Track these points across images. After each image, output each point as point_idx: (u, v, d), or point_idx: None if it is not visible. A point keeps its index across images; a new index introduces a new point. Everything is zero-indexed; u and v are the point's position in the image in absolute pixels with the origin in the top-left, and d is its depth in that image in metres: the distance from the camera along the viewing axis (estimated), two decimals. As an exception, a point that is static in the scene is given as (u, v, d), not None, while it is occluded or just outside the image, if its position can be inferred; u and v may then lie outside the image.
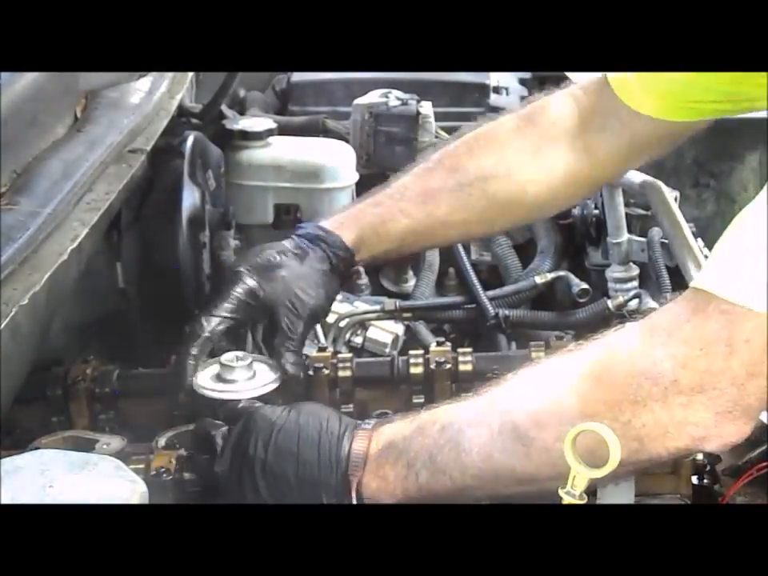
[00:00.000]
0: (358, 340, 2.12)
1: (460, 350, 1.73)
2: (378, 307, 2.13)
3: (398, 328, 2.15)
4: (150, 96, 1.92)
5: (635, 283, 2.19)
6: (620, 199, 2.17)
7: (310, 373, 1.70)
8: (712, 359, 1.12)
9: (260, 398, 1.52)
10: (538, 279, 2.19)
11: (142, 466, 1.42)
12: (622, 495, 1.30)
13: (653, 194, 2.09)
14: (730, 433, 1.16)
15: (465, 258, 2.26)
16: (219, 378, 1.51)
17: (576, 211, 2.31)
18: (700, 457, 1.48)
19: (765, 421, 1.50)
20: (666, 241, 2.05)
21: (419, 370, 1.71)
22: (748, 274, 1.11)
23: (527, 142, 1.68)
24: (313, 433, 1.31)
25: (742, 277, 1.11)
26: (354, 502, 1.27)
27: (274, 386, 1.52)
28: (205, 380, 1.52)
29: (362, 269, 2.28)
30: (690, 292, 1.17)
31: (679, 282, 1.93)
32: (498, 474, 1.24)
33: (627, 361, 1.17)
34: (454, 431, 1.26)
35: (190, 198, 2.04)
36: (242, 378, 1.50)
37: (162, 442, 1.58)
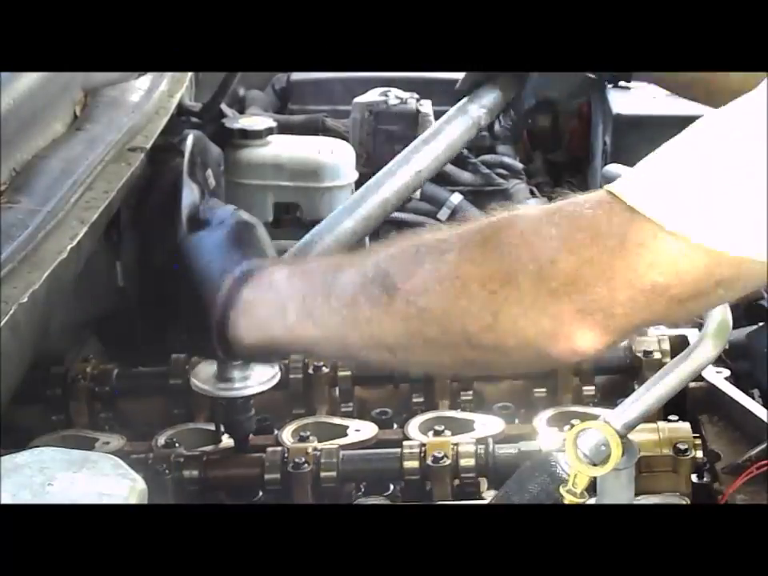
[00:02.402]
0: (358, 339, 2.12)
1: (460, 348, 1.72)
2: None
3: (398, 327, 2.15)
4: (150, 94, 1.92)
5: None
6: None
7: (310, 372, 1.70)
8: (599, 251, 1.05)
9: (258, 395, 1.52)
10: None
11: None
12: (622, 494, 1.30)
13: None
14: (582, 338, 1.08)
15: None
16: (217, 375, 1.51)
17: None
18: (700, 455, 1.49)
19: (765, 420, 1.51)
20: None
21: (419, 368, 1.71)
22: (656, 185, 1.06)
23: None
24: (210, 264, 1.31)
25: (652, 187, 1.06)
26: (226, 343, 1.26)
27: (273, 382, 1.52)
28: (203, 378, 1.52)
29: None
30: (601, 191, 1.09)
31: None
32: (356, 324, 1.17)
33: (517, 232, 1.10)
34: (331, 275, 1.20)
35: (190, 196, 2.04)
36: (240, 376, 1.50)
37: (161, 440, 1.58)
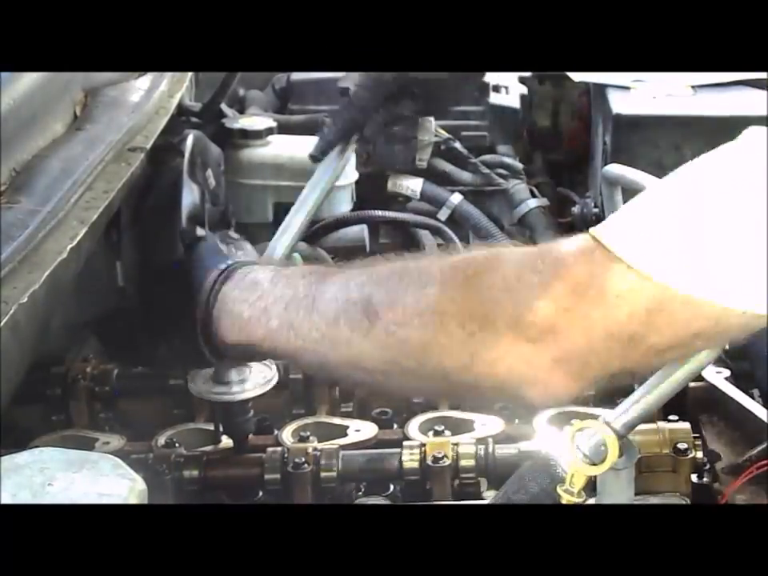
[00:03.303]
0: (358, 339, 2.12)
1: (459, 348, 1.72)
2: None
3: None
4: (150, 94, 1.92)
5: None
6: (619, 197, 2.17)
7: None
8: (578, 301, 1.06)
9: (256, 398, 1.52)
10: (538, 278, 2.19)
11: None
12: (622, 494, 1.30)
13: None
14: (558, 385, 1.10)
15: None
16: (214, 379, 1.51)
17: (576, 209, 2.31)
18: (700, 455, 1.49)
19: (765, 420, 1.51)
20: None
21: (419, 368, 1.70)
22: (640, 233, 1.05)
23: None
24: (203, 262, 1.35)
25: (635, 234, 1.05)
26: (210, 340, 1.28)
27: (270, 385, 1.52)
28: (200, 382, 1.52)
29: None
30: (585, 235, 1.10)
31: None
32: (335, 344, 1.18)
33: (499, 276, 1.11)
34: (314, 288, 1.21)
35: (190, 196, 2.04)
36: (236, 379, 1.50)
37: (161, 440, 1.58)
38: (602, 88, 2.27)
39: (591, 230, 1.09)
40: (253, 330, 1.25)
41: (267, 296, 1.24)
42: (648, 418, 1.35)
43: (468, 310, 1.10)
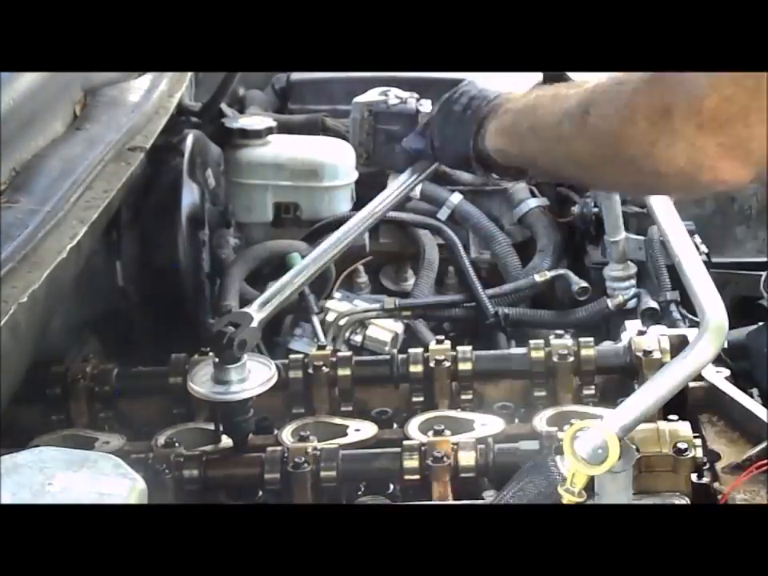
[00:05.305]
0: (358, 338, 2.12)
1: (459, 348, 1.73)
2: (377, 306, 2.13)
3: (398, 326, 2.15)
4: (150, 94, 1.92)
5: (633, 282, 2.19)
6: (617, 197, 2.18)
7: (310, 371, 1.70)
8: (737, 90, 1.16)
9: (256, 398, 1.52)
10: (538, 277, 2.19)
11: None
12: (620, 495, 1.30)
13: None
14: (724, 169, 1.20)
15: (464, 257, 2.26)
16: (213, 378, 1.50)
17: (576, 209, 2.31)
18: (700, 455, 1.48)
19: (765, 419, 1.51)
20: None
21: (419, 368, 1.71)
22: None
23: None
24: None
25: None
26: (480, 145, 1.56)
27: (269, 384, 1.52)
28: (200, 381, 1.51)
29: (361, 267, 2.28)
30: None
31: (679, 280, 1.94)
32: (559, 141, 1.38)
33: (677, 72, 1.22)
34: (549, 99, 1.43)
35: (190, 196, 2.04)
36: (236, 379, 1.50)
37: (161, 440, 1.58)
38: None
39: None
40: (508, 134, 1.52)
41: (521, 108, 1.51)
42: (648, 417, 1.35)
43: (650, 101, 1.23)
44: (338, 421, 1.64)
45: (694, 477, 1.47)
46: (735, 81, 1.16)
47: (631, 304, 2.11)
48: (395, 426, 1.68)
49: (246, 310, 1.54)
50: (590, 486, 1.26)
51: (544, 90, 1.50)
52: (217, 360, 1.49)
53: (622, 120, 1.27)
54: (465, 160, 1.62)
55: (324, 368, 1.70)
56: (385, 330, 2.14)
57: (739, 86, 1.16)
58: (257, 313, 1.52)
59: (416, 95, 2.39)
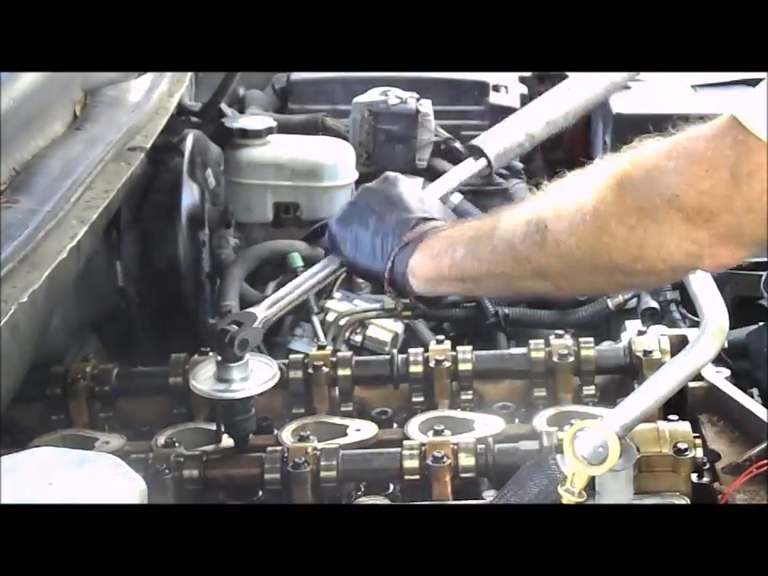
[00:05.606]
0: (358, 338, 2.12)
1: (459, 348, 1.73)
2: (377, 305, 2.13)
3: (398, 326, 2.15)
4: (150, 94, 1.92)
5: (633, 282, 2.19)
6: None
7: (310, 371, 1.70)
8: (714, 184, 1.14)
9: (257, 397, 1.52)
10: (538, 277, 2.19)
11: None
12: (621, 494, 1.30)
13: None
14: (723, 255, 1.20)
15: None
16: (216, 377, 1.51)
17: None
18: (700, 455, 1.48)
19: (765, 419, 1.51)
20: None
21: (419, 368, 1.71)
22: None
23: None
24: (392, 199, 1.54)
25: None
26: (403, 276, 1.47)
27: (271, 383, 1.52)
28: (201, 379, 1.52)
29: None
30: (722, 117, 1.17)
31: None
32: (517, 262, 1.34)
33: (643, 170, 1.21)
34: (491, 222, 1.40)
35: (190, 196, 2.04)
36: (238, 377, 1.50)
37: (161, 440, 1.58)
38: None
39: (733, 110, 1.14)
40: (440, 261, 1.44)
41: (452, 235, 1.45)
42: (648, 417, 1.35)
43: (621, 206, 1.22)
44: (338, 421, 1.64)
45: (694, 477, 1.46)
46: (707, 173, 1.15)
47: (631, 304, 2.10)
48: (395, 425, 1.68)
49: (251, 309, 1.54)
50: (590, 486, 1.26)
51: (478, 221, 1.46)
52: (219, 358, 1.49)
53: (592, 232, 1.24)
54: (376, 279, 1.54)
55: (324, 368, 1.70)
56: (385, 330, 2.14)
57: (713, 179, 1.15)
58: (262, 313, 1.52)
59: (416, 95, 2.39)
